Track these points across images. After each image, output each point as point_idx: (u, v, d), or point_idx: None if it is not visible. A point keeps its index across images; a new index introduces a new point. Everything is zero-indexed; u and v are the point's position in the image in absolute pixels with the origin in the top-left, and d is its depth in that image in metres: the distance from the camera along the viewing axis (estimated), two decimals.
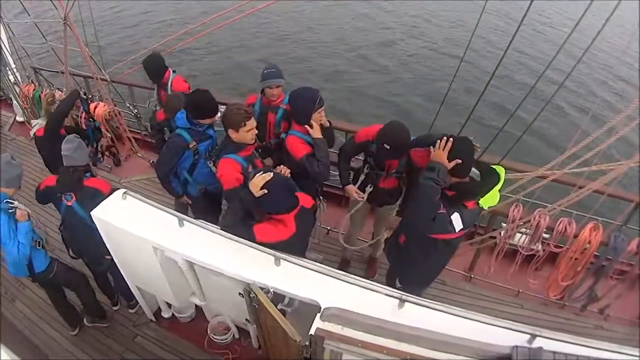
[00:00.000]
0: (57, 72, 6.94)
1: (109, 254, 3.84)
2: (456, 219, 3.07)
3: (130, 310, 4.88)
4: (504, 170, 3.18)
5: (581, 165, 3.68)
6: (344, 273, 2.78)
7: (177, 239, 3.09)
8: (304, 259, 2.91)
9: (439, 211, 3.03)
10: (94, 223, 3.45)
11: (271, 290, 2.75)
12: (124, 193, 3.37)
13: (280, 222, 3.09)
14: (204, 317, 4.31)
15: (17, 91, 7.22)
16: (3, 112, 8.51)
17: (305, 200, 3.31)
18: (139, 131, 7.31)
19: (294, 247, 3.12)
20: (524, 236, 4.76)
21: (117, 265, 3.86)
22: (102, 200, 3.44)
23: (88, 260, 4.46)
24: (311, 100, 3.94)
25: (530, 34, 17.55)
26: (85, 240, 4.08)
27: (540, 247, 4.69)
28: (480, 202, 3.18)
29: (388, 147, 3.71)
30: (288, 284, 2.76)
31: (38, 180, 5.27)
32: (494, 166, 3.21)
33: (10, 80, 7.28)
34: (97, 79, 6.01)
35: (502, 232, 4.65)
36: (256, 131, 3.77)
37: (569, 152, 3.67)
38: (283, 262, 2.83)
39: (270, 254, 2.83)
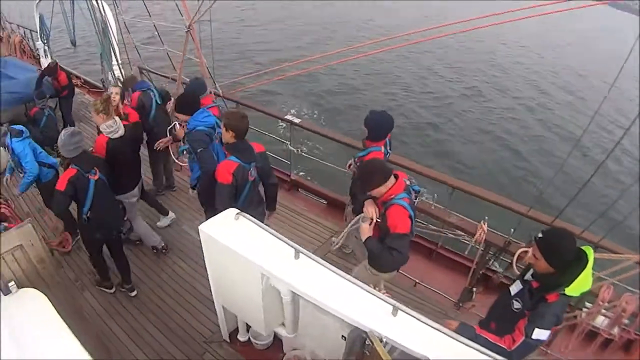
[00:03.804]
0: (167, 77, 7.02)
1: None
2: (539, 335, 2.90)
3: (131, 294, 5.22)
4: (592, 251, 2.86)
5: None
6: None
7: (290, 270, 3.04)
8: (419, 313, 2.82)
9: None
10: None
11: (384, 339, 2.67)
12: (237, 214, 3.35)
13: None
14: (281, 348, 4.21)
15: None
16: None
17: None
18: None
19: None
20: (604, 318, 4.57)
21: (210, 281, 3.83)
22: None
23: (113, 227, 4.97)
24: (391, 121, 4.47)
25: None
26: (110, 207, 4.85)
27: (617, 331, 4.50)
28: (568, 290, 2.87)
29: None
30: (403, 336, 2.67)
31: None
32: (582, 247, 2.91)
33: (114, 76, 7.42)
34: (210, 92, 6.04)
35: (584, 314, 4.47)
36: None
37: None
38: (401, 312, 2.74)
39: (390, 303, 2.75)
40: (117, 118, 5.00)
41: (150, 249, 5.82)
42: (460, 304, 5.16)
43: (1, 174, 5.97)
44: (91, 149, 5.06)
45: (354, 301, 2.83)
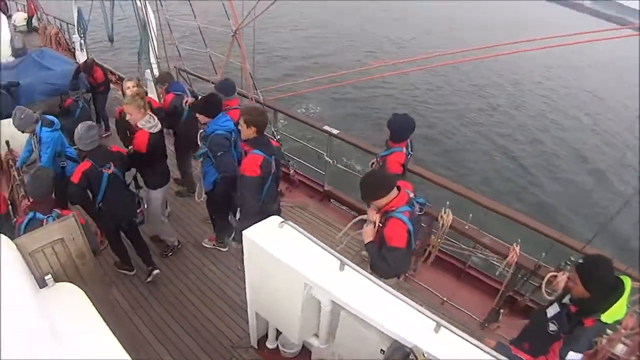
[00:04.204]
0: (207, 80, 7.07)
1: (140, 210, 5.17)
2: (572, 357, 2.94)
3: (153, 272, 5.37)
4: (629, 281, 2.92)
5: None
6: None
7: (334, 281, 3.06)
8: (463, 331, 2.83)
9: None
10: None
11: (426, 354, 2.68)
12: (282, 222, 3.39)
13: None
14: (308, 357, 4.23)
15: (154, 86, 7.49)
16: None
17: None
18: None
19: None
20: (624, 346, 4.53)
21: (247, 286, 3.87)
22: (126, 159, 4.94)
23: (128, 217, 5.16)
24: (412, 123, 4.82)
25: None
26: (123, 199, 5.01)
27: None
28: (603, 317, 2.93)
29: None
30: (446, 353, 2.68)
31: None
32: (621, 276, 2.97)
33: (153, 74, 7.52)
34: (251, 98, 6.08)
35: (604, 341, 4.43)
36: None
37: None
38: (443, 329, 2.76)
39: (433, 320, 2.78)
40: (151, 113, 5.15)
41: (182, 251, 5.90)
42: (486, 324, 5.15)
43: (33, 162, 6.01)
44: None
45: (397, 315, 2.84)
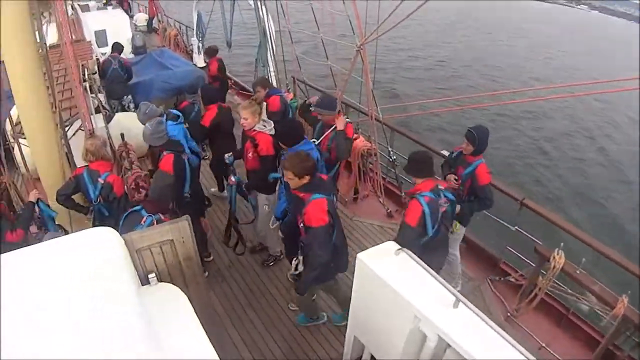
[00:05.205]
0: (324, 92, 7.14)
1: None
2: None
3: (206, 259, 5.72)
4: None
5: None
6: None
7: (446, 317, 2.97)
8: None
9: None
10: None
11: None
12: (399, 249, 3.37)
13: None
14: None
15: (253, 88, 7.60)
16: None
17: None
18: (386, 177, 7.40)
19: None
20: None
21: (350, 309, 3.86)
22: None
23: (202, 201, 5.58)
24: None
25: None
26: (198, 184, 5.47)
27: None
28: None
29: None
30: None
31: None
32: None
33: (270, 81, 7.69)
34: (372, 117, 6.11)
35: None
36: None
37: None
38: None
39: None
40: (265, 118, 5.36)
41: (283, 262, 5.93)
42: None
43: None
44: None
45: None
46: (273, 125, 5.24)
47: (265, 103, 6.40)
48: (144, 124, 5.81)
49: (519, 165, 14.92)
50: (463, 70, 25.51)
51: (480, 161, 4.86)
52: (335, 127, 5.43)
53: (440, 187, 4.16)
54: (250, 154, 5.29)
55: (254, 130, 5.23)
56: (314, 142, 5.36)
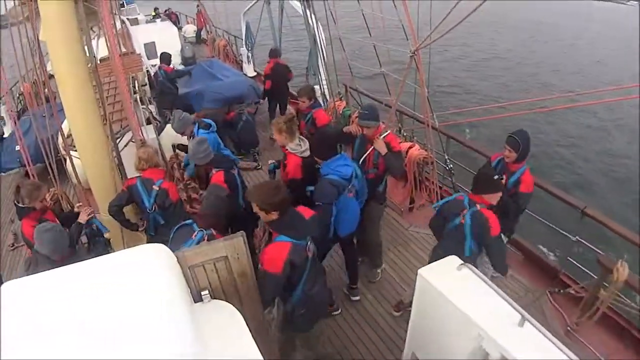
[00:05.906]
0: (380, 102, 7.03)
1: None
2: None
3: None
4: None
5: None
6: None
7: (511, 336, 2.84)
8: None
9: None
10: None
11: None
12: (461, 264, 3.27)
13: None
14: None
15: (325, 103, 7.68)
16: None
17: None
18: (442, 185, 7.29)
19: None
20: None
21: (410, 325, 3.76)
22: None
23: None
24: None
25: None
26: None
27: None
28: None
29: None
30: None
31: None
32: None
33: (322, 91, 7.74)
34: (427, 124, 6.03)
35: None
36: None
37: None
38: None
39: None
40: (302, 137, 4.96)
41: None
42: None
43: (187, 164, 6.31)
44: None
45: None
46: (307, 145, 4.85)
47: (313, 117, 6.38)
48: (180, 133, 5.91)
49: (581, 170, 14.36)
50: (520, 75, 24.72)
51: (524, 167, 4.73)
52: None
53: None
54: (282, 172, 5.05)
55: (286, 149, 4.89)
56: (353, 159, 5.08)
